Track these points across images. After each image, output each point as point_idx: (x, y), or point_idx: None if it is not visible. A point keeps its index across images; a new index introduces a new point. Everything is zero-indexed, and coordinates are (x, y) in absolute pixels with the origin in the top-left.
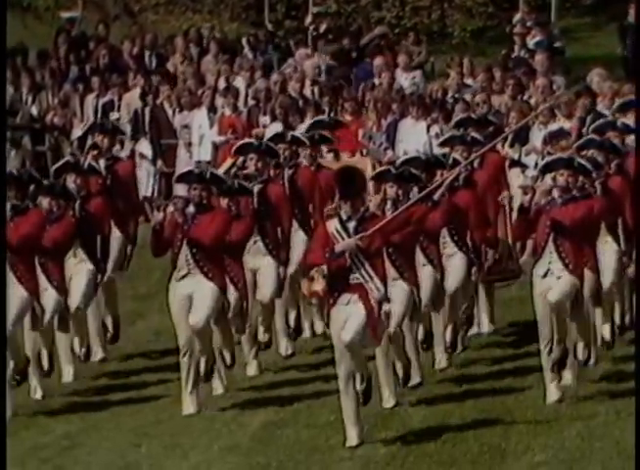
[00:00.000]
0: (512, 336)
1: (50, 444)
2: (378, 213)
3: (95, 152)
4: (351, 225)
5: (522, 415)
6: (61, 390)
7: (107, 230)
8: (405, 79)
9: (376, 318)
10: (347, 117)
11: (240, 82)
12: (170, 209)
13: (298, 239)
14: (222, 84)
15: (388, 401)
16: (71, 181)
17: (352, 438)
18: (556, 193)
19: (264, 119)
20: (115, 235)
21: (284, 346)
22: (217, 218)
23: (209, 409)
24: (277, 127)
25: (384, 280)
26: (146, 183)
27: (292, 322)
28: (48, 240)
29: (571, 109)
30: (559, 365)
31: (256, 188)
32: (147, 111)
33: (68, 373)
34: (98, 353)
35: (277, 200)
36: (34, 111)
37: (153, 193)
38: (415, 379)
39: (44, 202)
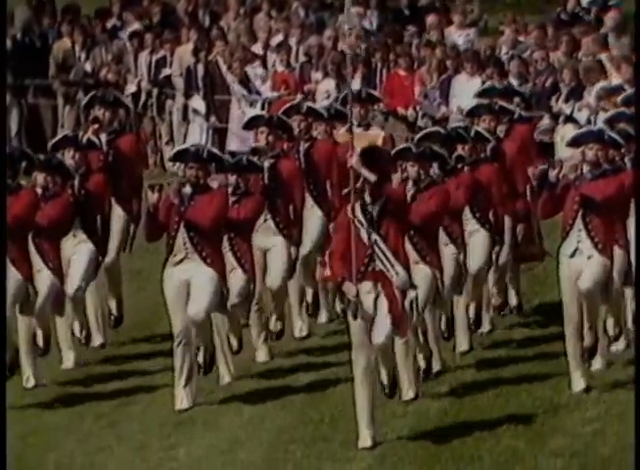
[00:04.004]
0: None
1: (105, 399)
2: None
3: (96, 126)
4: (375, 209)
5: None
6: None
7: (107, 209)
8: (459, 36)
9: (400, 310)
10: (401, 73)
11: (291, 40)
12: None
13: (314, 216)
14: (275, 41)
15: (408, 394)
16: (69, 157)
17: (365, 437)
18: (585, 168)
19: (316, 75)
20: (118, 214)
21: (298, 327)
22: (216, 199)
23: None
24: (329, 83)
25: (406, 266)
26: (199, 139)
27: (309, 298)
28: (43, 218)
29: (627, 65)
30: (590, 353)
31: (267, 163)
32: (200, 67)
33: (68, 359)
34: (97, 339)
35: (289, 176)
36: (88, 67)
37: None
38: (435, 367)
39: (39, 178)
